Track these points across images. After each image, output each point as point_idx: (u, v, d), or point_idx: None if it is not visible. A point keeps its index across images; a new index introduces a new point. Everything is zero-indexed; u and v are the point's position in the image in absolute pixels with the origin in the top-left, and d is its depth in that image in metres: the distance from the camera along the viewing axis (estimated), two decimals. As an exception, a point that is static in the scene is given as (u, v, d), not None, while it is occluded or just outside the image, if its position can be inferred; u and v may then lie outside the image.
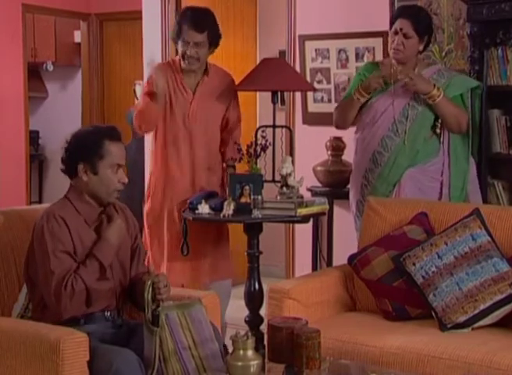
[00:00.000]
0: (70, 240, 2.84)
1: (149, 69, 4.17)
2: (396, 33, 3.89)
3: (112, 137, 2.94)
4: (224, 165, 4.32)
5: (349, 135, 4.32)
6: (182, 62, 4.19)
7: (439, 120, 3.96)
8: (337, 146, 4.76)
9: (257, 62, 5.20)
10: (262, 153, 4.04)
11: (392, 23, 3.95)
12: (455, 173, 3.98)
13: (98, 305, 2.89)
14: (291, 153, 4.34)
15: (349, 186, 4.29)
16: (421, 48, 3.96)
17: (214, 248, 4.28)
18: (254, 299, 4.05)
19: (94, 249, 2.87)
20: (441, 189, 3.98)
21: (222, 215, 3.87)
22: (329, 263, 4.92)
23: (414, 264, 3.34)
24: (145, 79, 5.51)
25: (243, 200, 3.93)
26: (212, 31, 4.15)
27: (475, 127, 4.07)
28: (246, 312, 4.09)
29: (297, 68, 5.03)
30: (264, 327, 3.81)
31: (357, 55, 4.89)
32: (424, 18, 3.96)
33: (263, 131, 4.16)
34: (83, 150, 2.91)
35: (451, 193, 3.95)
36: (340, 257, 4.12)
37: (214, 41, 4.18)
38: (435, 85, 3.87)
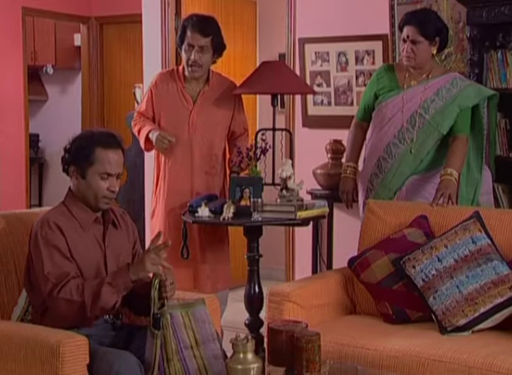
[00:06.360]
0: (65, 244, 2.82)
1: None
2: (404, 40, 3.87)
3: (107, 144, 2.89)
4: (228, 171, 4.33)
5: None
6: (186, 70, 4.21)
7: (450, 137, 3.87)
8: (337, 149, 4.75)
9: (257, 65, 5.20)
10: (262, 156, 4.05)
11: (401, 31, 3.92)
12: (466, 184, 3.88)
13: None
14: (291, 156, 4.34)
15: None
16: (434, 50, 3.89)
17: (213, 255, 4.27)
18: (253, 302, 4.06)
19: (111, 274, 2.81)
20: None
21: (221, 218, 3.87)
22: (329, 266, 4.92)
23: (414, 267, 3.34)
24: (145, 82, 5.54)
25: (243, 203, 3.93)
26: (216, 37, 4.17)
27: (492, 138, 4.03)
28: (246, 315, 4.09)
29: (297, 71, 5.03)
30: (264, 330, 3.81)
31: (356, 58, 4.89)
32: (430, 20, 3.87)
33: (263, 134, 4.16)
34: (75, 154, 2.91)
35: (459, 205, 3.77)
36: (340, 260, 4.11)
37: (218, 48, 4.20)
38: (452, 174, 3.73)
